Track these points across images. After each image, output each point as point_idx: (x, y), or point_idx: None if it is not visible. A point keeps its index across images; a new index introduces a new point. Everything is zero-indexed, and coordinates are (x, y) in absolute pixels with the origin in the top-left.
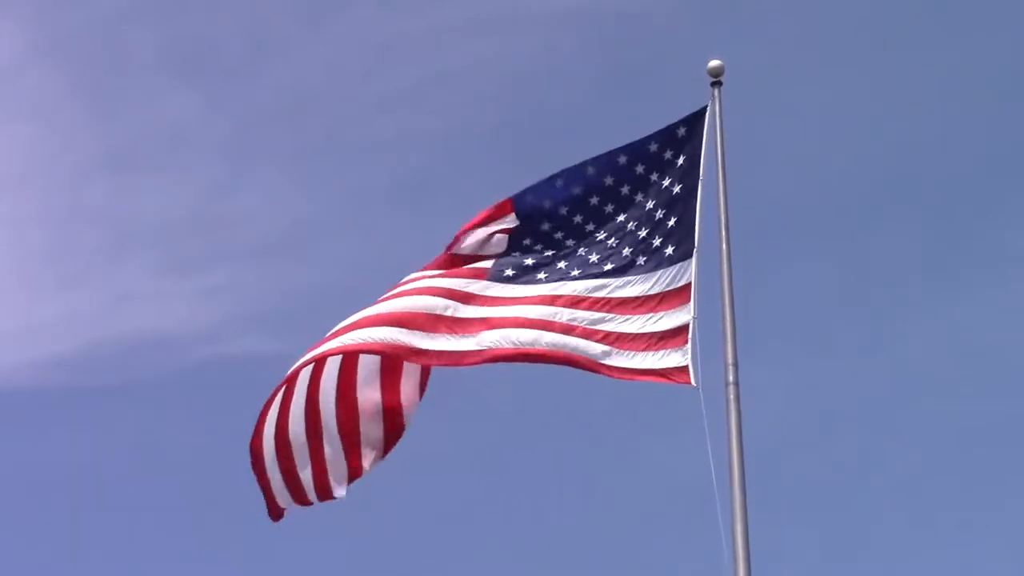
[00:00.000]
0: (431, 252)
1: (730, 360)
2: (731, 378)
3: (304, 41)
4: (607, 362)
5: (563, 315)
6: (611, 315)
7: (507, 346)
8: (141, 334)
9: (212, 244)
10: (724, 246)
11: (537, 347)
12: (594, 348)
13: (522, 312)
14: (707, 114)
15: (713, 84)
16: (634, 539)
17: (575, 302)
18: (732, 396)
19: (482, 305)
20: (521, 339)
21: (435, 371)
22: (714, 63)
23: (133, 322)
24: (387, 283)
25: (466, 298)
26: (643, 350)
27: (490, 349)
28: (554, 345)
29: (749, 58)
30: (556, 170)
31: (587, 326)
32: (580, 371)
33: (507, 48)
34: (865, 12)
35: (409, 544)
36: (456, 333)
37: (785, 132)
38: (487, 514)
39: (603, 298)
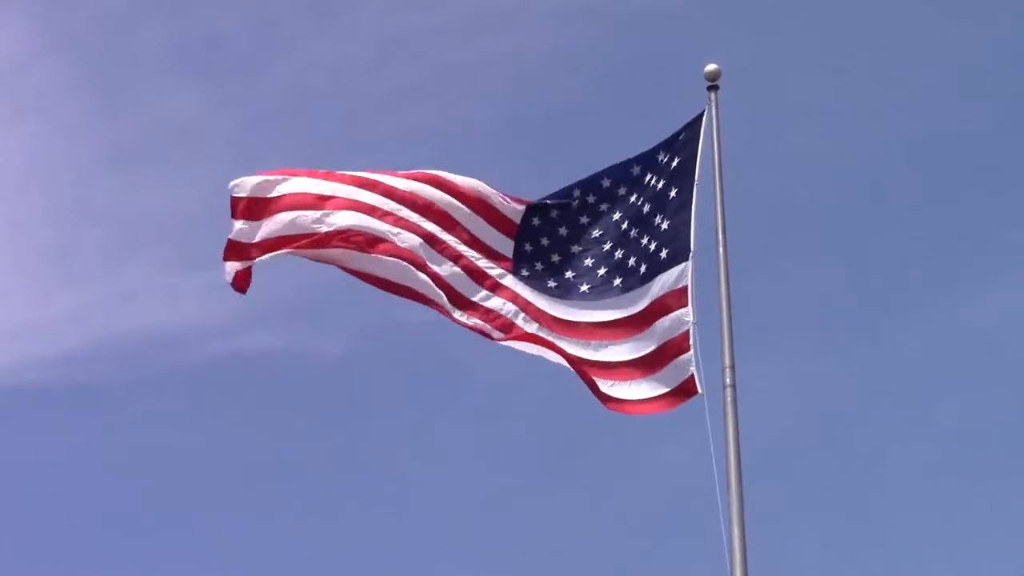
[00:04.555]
0: None
1: (727, 363)
2: (728, 381)
3: (310, 37)
4: (613, 394)
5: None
6: (609, 342)
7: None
8: (150, 330)
9: (220, 240)
10: (721, 250)
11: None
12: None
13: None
14: (703, 118)
15: (710, 88)
16: (637, 539)
17: (578, 330)
18: (729, 399)
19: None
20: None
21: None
22: (711, 67)
23: (142, 319)
24: None
25: (484, 280)
26: (644, 376)
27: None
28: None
29: (749, 57)
30: (562, 165)
31: (592, 356)
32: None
33: (514, 44)
34: (866, 11)
35: (409, 540)
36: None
37: (787, 131)
38: (488, 512)
39: (601, 323)
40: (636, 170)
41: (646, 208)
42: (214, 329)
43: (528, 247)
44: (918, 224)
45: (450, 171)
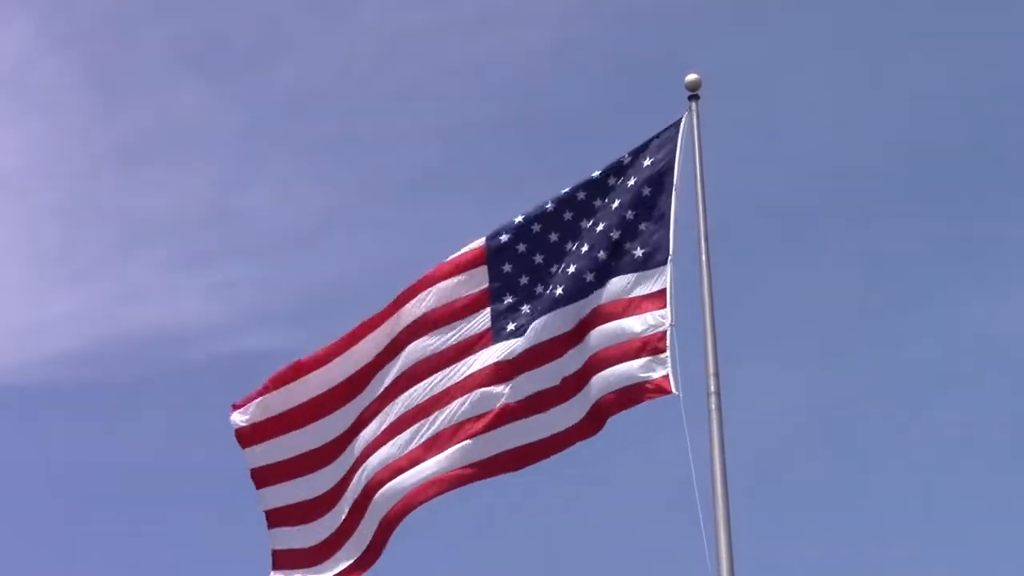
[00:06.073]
0: (441, 246)
1: (711, 370)
2: (712, 388)
3: (316, 34)
4: (589, 410)
5: (553, 370)
6: (590, 335)
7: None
8: (152, 330)
9: (224, 239)
10: (703, 257)
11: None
12: (575, 412)
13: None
14: (682, 127)
15: (690, 98)
16: (628, 543)
17: (564, 343)
18: (714, 406)
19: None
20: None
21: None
22: (691, 77)
23: (144, 318)
24: (400, 278)
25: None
26: (620, 361)
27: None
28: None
29: (751, 56)
30: (562, 164)
31: (574, 372)
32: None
33: (519, 41)
34: (867, 11)
35: (399, 536)
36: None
37: (788, 130)
38: (471, 516)
39: (584, 320)
40: (611, 179)
41: (615, 204)
42: (216, 329)
43: (508, 299)
44: (918, 224)
45: (462, 166)
